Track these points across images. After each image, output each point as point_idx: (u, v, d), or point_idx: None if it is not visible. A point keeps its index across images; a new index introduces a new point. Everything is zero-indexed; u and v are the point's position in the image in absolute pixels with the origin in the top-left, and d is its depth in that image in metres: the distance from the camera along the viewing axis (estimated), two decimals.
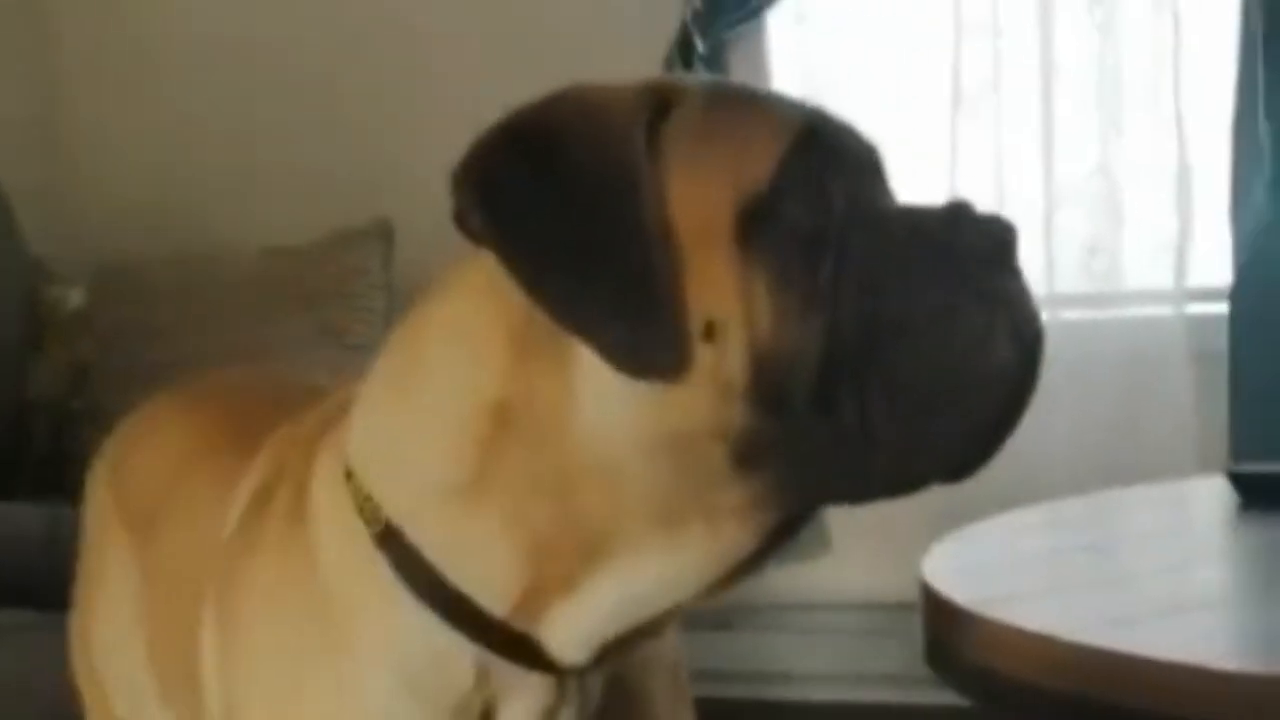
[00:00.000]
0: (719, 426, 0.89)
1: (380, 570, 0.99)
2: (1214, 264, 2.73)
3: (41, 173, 3.34)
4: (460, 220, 0.92)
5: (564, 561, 0.95)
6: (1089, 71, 2.79)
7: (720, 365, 0.89)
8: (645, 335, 0.88)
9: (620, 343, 0.88)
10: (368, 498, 1.00)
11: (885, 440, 0.89)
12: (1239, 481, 1.72)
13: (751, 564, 0.96)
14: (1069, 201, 2.76)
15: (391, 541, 0.99)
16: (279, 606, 1.05)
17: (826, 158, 0.93)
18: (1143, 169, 2.75)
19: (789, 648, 2.95)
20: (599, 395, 0.91)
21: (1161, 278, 2.71)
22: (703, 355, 0.89)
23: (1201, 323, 2.71)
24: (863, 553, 2.53)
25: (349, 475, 1.02)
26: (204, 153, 3.34)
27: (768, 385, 0.89)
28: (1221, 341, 2.68)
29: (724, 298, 0.89)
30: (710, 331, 0.89)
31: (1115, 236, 2.76)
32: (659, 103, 0.93)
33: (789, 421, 0.89)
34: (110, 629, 1.43)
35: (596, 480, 0.92)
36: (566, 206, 0.89)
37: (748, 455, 0.90)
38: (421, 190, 3.21)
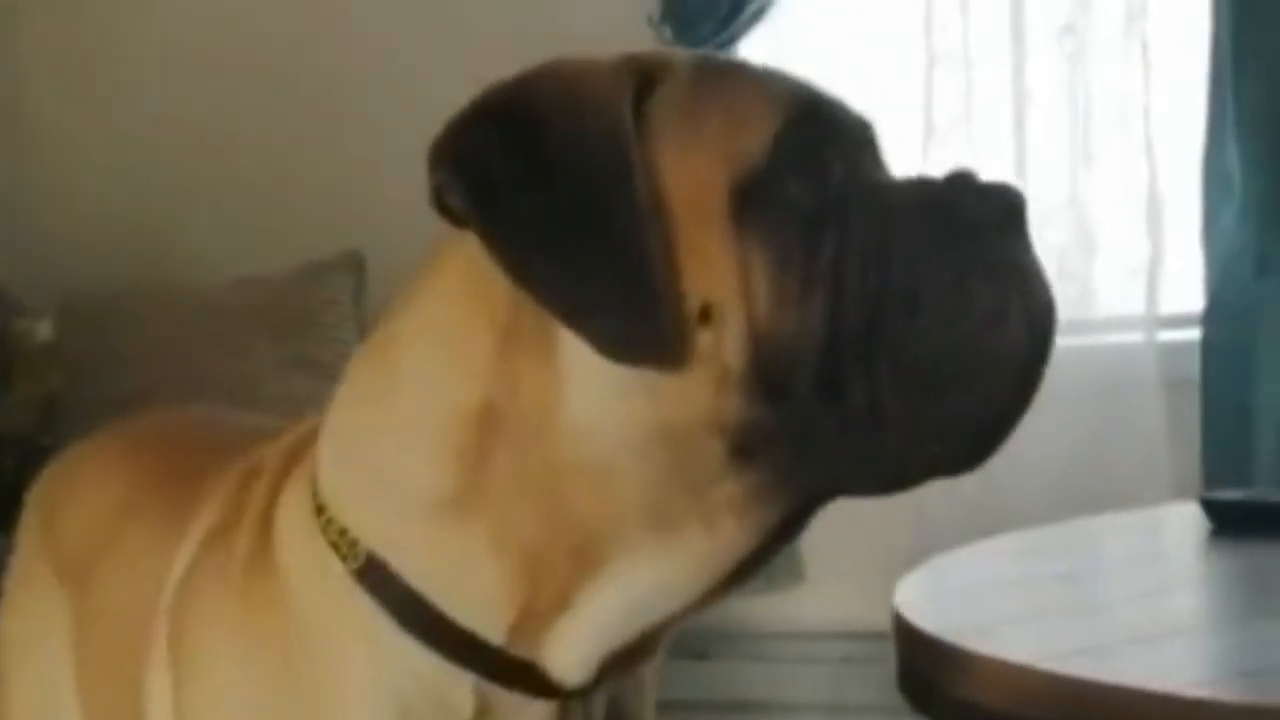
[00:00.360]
0: (716, 416, 0.85)
1: (361, 607, 0.94)
2: (1186, 290, 2.74)
3: (6, 200, 3.32)
4: (439, 200, 0.87)
5: (558, 573, 0.90)
6: (1060, 100, 2.81)
7: (718, 351, 0.84)
8: (639, 321, 0.83)
9: (613, 329, 0.83)
10: (343, 532, 0.95)
11: (894, 425, 0.85)
12: (1211, 509, 1.72)
13: (753, 565, 0.91)
14: (1041, 229, 2.77)
15: (373, 575, 0.93)
16: (244, 651, 0.99)
17: (823, 131, 0.89)
18: (1114, 196, 2.76)
19: (764, 677, 2.94)
20: (589, 387, 0.86)
21: (1133, 304, 2.73)
22: (699, 340, 0.84)
23: (1173, 349, 2.72)
24: (836, 582, 2.53)
25: (319, 510, 0.97)
26: (174, 183, 3.33)
27: (768, 371, 0.84)
28: (1193, 368, 2.69)
29: (721, 279, 0.84)
30: (707, 315, 0.84)
31: (1087, 263, 2.77)
32: (643, 76, 0.89)
33: (791, 408, 0.85)
34: (35, 693, 1.34)
35: (588, 480, 0.88)
36: (552, 184, 0.84)
37: (747, 446, 0.86)
38: (393, 222, 3.21)
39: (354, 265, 2.91)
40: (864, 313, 0.85)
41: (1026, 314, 0.87)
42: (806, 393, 0.85)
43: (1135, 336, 2.71)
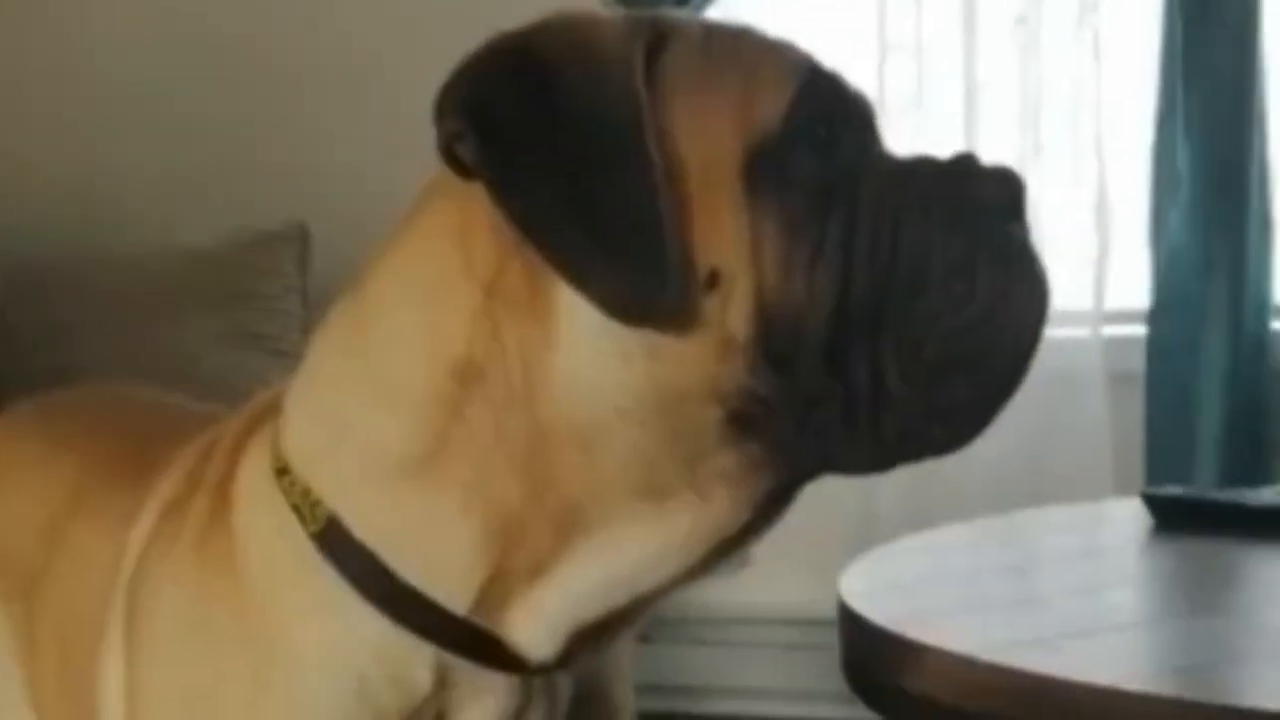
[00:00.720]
0: (717, 384, 0.84)
1: (320, 572, 0.91)
2: (1132, 286, 2.76)
3: None
4: (447, 149, 0.85)
5: (535, 540, 0.88)
6: (1011, 92, 2.82)
7: (723, 317, 0.83)
8: (648, 282, 0.81)
9: (621, 289, 0.82)
10: (306, 493, 0.92)
11: (896, 404, 0.84)
12: (1154, 504, 1.73)
13: (739, 540, 0.90)
14: None
15: (333, 539, 0.91)
16: (197, 616, 0.96)
17: (835, 103, 0.88)
18: (1063, 190, 2.77)
19: (708, 662, 2.94)
20: (584, 348, 0.84)
21: (1080, 299, 2.74)
22: (706, 305, 0.83)
23: (1119, 345, 2.73)
24: (782, 568, 2.53)
25: (282, 473, 0.94)
26: (115, 151, 3.29)
27: (772, 340, 0.83)
28: (1139, 363, 2.70)
29: (730, 245, 0.83)
30: (714, 280, 0.83)
31: None
32: (655, 35, 0.87)
33: (793, 380, 0.84)
34: None
35: (576, 443, 0.86)
36: (566, 139, 0.83)
37: (745, 416, 0.84)
38: (339, 194, 3.19)
39: (298, 236, 2.87)
40: (871, 289, 0.84)
41: (1028, 298, 0.87)
42: (809, 365, 0.84)
43: (1081, 331, 2.73)
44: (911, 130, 2.78)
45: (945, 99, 2.83)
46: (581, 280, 0.83)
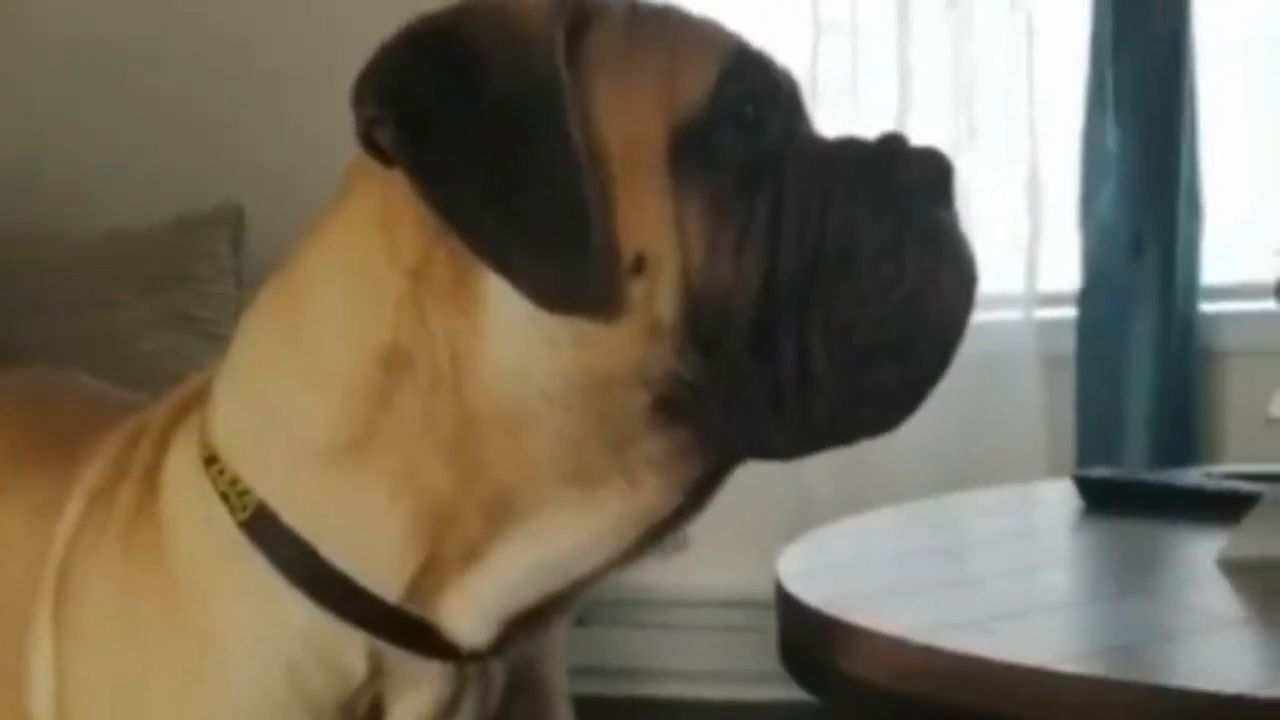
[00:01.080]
0: (645, 369, 0.83)
1: (250, 560, 0.90)
2: (1063, 269, 2.77)
3: None
4: (366, 136, 0.83)
5: (466, 528, 0.87)
6: (944, 75, 2.83)
7: (649, 301, 0.82)
8: (572, 269, 0.80)
9: (545, 277, 0.81)
10: (234, 481, 0.91)
11: (824, 387, 0.83)
12: (1085, 486, 1.74)
13: (672, 524, 0.89)
14: None
15: (262, 526, 0.89)
16: (124, 605, 0.95)
17: (760, 84, 0.87)
18: (996, 173, 2.79)
19: (645, 644, 2.95)
20: (511, 335, 0.83)
21: (1012, 282, 2.75)
22: (632, 290, 0.82)
23: (1051, 327, 2.75)
24: (719, 550, 2.54)
25: (211, 461, 0.92)
26: (48, 130, 3.25)
27: (699, 324, 0.82)
28: (1070, 346, 2.73)
29: (655, 228, 0.82)
30: (640, 265, 0.82)
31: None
32: (577, 15, 0.86)
33: (721, 365, 0.83)
34: None
35: (504, 429, 0.85)
36: (486, 125, 0.81)
37: (673, 401, 0.84)
38: (274, 175, 3.15)
39: (233, 218, 2.85)
40: (799, 271, 0.83)
41: (955, 281, 0.86)
42: (736, 349, 0.83)
43: (1013, 314, 2.75)
44: (845, 112, 2.79)
45: (879, 81, 2.83)
46: (505, 269, 0.82)
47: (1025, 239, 2.77)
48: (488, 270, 0.83)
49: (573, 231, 0.81)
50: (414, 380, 0.86)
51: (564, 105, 0.83)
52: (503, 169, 0.81)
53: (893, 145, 0.88)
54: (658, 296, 0.82)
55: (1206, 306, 2.71)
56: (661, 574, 2.71)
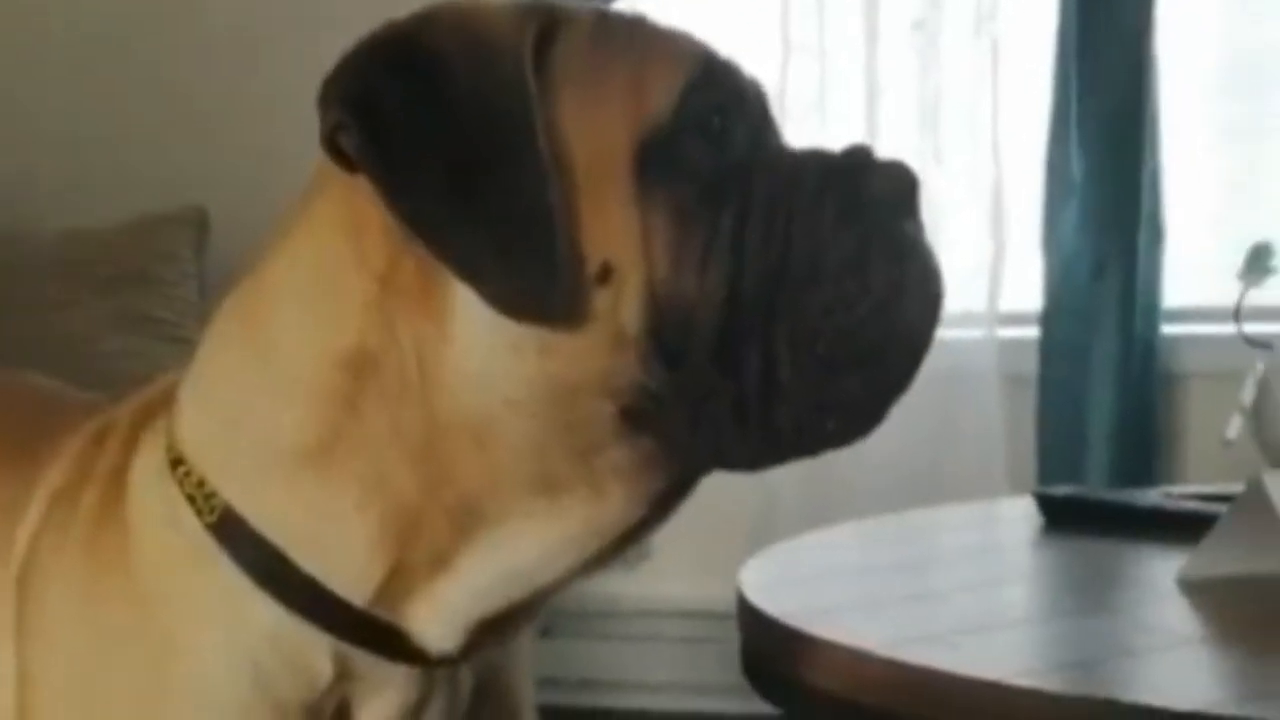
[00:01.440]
0: (610, 379, 0.83)
1: (216, 563, 0.90)
2: (1026, 289, 2.79)
3: None
4: (330, 141, 0.83)
5: (433, 533, 0.87)
6: (910, 97, 2.84)
7: (615, 311, 0.82)
8: (537, 278, 0.80)
9: (510, 286, 0.81)
10: (200, 483, 0.91)
11: (789, 399, 0.83)
12: (1045, 504, 1.76)
13: (636, 534, 0.90)
14: None
15: (229, 529, 0.89)
16: (89, 607, 0.94)
17: (727, 94, 0.87)
18: (960, 193, 2.81)
19: (609, 655, 2.95)
20: (479, 341, 0.83)
21: (976, 301, 2.77)
22: (597, 300, 0.82)
23: (1013, 346, 2.77)
24: (682, 563, 2.54)
25: (177, 464, 0.92)
26: (9, 130, 3.23)
27: (664, 334, 0.82)
28: (1032, 365, 2.74)
29: (621, 238, 0.82)
30: (606, 275, 0.82)
31: None
32: (545, 24, 0.86)
33: (685, 375, 0.83)
34: None
35: (471, 437, 0.85)
36: (452, 133, 0.82)
37: (638, 410, 0.84)
38: (238, 177, 3.13)
39: (196, 220, 2.82)
40: (764, 282, 0.83)
41: (921, 294, 0.87)
42: (702, 360, 0.83)
43: (977, 333, 2.76)
44: (812, 132, 2.80)
45: (846, 102, 2.85)
46: (470, 278, 0.82)
47: (989, 259, 2.79)
48: (454, 278, 0.83)
49: (538, 241, 0.81)
50: (380, 386, 0.86)
51: (530, 115, 0.83)
52: (467, 177, 0.81)
53: (859, 157, 0.88)
54: (623, 306, 0.83)
55: (1167, 329, 2.73)
56: (625, 585, 2.71)
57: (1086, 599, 1.47)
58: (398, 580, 0.89)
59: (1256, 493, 1.37)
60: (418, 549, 0.88)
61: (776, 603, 1.33)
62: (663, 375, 0.84)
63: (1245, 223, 2.68)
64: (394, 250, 0.85)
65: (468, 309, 0.84)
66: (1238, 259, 1.57)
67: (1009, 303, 2.80)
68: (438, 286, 0.84)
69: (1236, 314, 1.53)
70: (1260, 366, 1.50)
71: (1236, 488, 1.41)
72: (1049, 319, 2.75)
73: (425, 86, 0.83)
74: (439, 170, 0.81)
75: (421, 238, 0.82)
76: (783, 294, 0.84)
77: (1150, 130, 2.70)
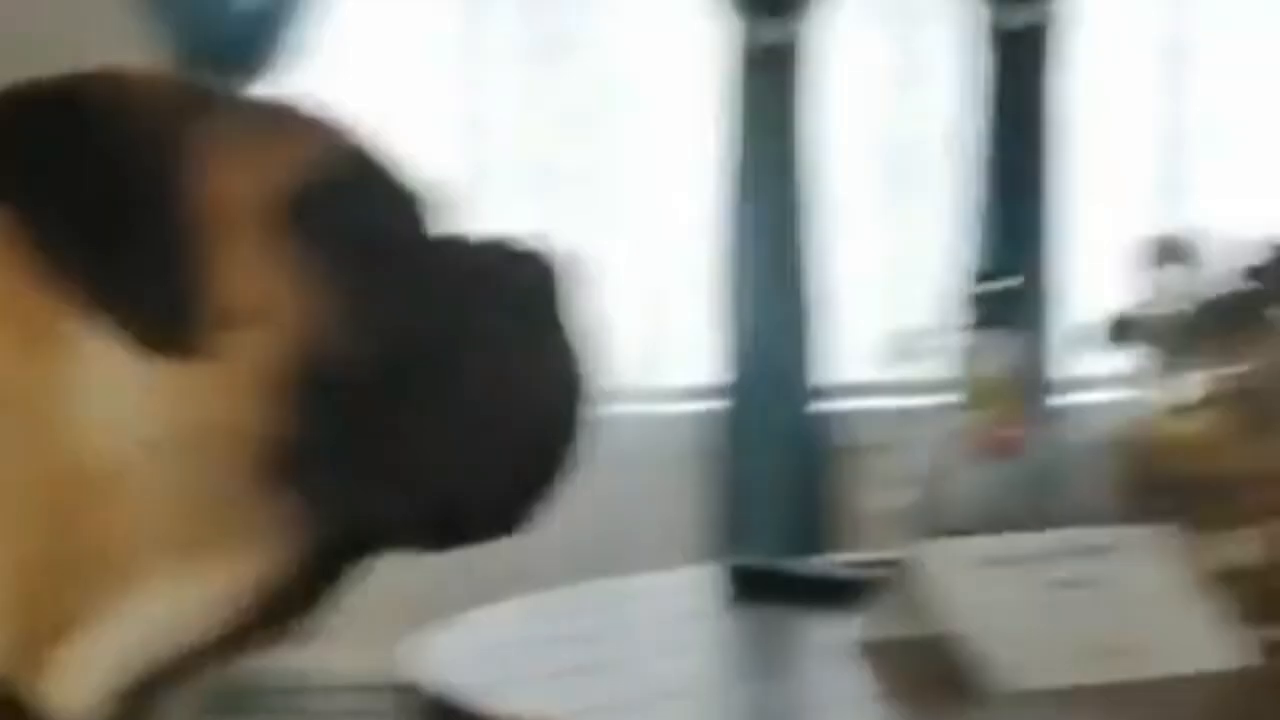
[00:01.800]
0: (240, 425, 0.82)
1: None
2: (698, 366, 2.87)
3: None
4: None
5: (63, 598, 0.84)
6: (584, 171, 2.90)
7: (253, 357, 0.82)
8: (161, 305, 0.81)
9: (138, 311, 0.81)
10: None
11: (424, 475, 0.84)
12: (732, 574, 1.78)
13: (298, 605, 0.87)
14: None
15: None
16: None
17: (372, 167, 0.89)
18: (635, 269, 2.85)
19: None
20: (109, 385, 0.82)
21: (648, 376, 2.82)
22: (235, 343, 0.82)
23: (702, 420, 2.84)
24: (355, 634, 2.50)
25: None
26: None
27: (305, 391, 0.83)
28: (721, 438, 2.81)
29: (254, 286, 0.83)
30: (236, 319, 0.82)
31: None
32: (198, 95, 0.89)
33: (325, 435, 0.83)
34: None
35: (97, 489, 0.82)
36: (91, 176, 0.83)
37: (275, 466, 0.83)
38: None
39: None
40: (407, 355, 0.84)
41: (563, 381, 0.88)
42: (341, 422, 0.83)
43: (654, 408, 2.81)
44: (480, 207, 2.82)
45: (516, 178, 2.89)
46: (104, 316, 0.81)
47: (663, 333, 2.85)
48: (85, 314, 0.82)
49: (166, 280, 0.82)
50: (2, 437, 0.83)
51: (170, 168, 0.84)
52: (105, 221, 0.82)
53: (503, 244, 0.89)
54: (261, 353, 0.83)
55: (838, 404, 2.85)
56: (296, 659, 2.65)
57: (764, 667, 1.50)
58: (25, 645, 0.85)
59: (915, 561, 1.41)
60: (46, 616, 0.84)
61: (452, 675, 1.31)
62: (301, 430, 0.83)
63: (900, 304, 2.83)
64: (19, 285, 0.83)
65: (97, 353, 0.82)
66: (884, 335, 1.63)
67: (681, 378, 2.87)
68: (66, 324, 0.82)
69: (891, 389, 1.58)
70: (921, 437, 1.56)
71: (900, 553, 1.46)
72: (736, 392, 2.82)
73: (70, 135, 0.84)
74: (77, 214, 0.82)
75: (54, 270, 0.82)
76: (418, 367, 0.85)
77: (813, 205, 2.84)
